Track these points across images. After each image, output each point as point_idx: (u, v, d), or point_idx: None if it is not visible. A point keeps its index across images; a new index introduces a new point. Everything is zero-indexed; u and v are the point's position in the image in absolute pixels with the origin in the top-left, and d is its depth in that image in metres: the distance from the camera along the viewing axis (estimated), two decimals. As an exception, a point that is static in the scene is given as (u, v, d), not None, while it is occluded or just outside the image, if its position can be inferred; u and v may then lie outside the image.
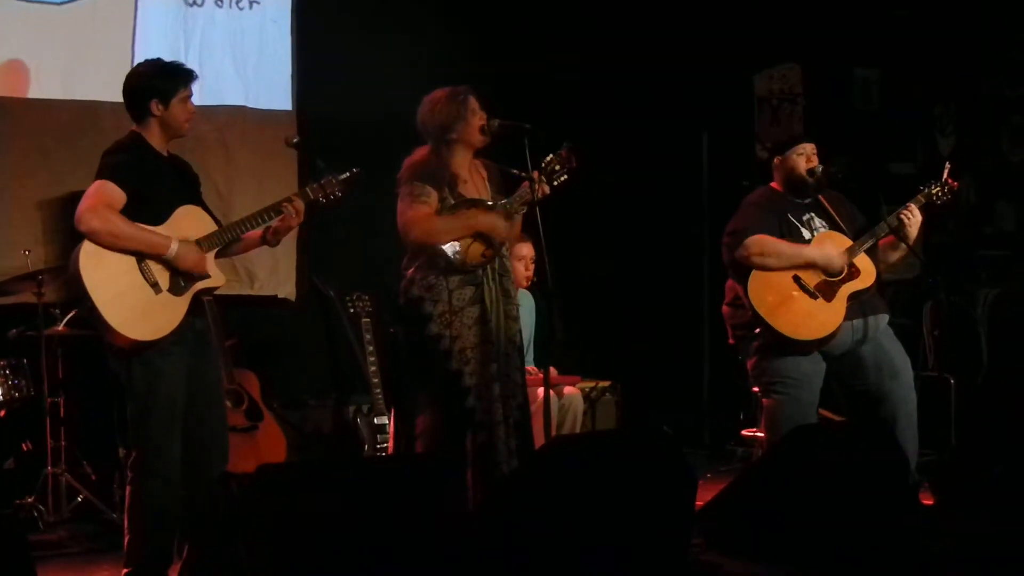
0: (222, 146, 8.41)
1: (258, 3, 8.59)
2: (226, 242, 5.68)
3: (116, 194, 5.41)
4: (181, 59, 7.89)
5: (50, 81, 8.01)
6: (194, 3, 8.36)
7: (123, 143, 5.62)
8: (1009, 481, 6.17)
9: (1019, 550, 5.40)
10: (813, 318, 6.60)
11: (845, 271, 6.64)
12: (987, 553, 5.47)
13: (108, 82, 7.89)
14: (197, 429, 5.62)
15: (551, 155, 6.13)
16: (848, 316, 6.62)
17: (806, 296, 6.60)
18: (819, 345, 6.62)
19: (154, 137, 5.62)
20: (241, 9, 8.55)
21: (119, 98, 5.73)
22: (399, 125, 6.45)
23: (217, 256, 5.72)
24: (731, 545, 5.38)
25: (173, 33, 8.31)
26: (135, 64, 5.85)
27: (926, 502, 6.66)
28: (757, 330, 6.66)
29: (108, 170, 5.47)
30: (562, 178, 6.18)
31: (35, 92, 7.97)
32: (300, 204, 5.77)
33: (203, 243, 5.58)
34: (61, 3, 8.01)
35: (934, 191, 6.84)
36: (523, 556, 4.59)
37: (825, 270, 6.60)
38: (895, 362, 6.72)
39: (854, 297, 6.64)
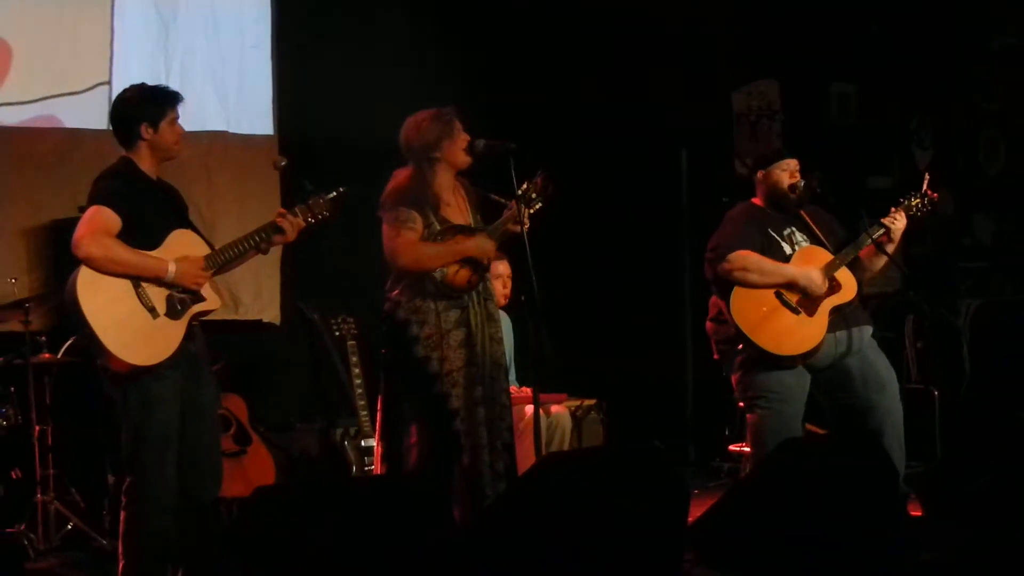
0: (204, 171, 8.41)
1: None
2: (222, 264, 5.70)
3: (112, 219, 5.42)
4: (161, 86, 7.98)
5: (30, 69, 8.09)
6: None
7: (114, 169, 5.63)
8: (995, 490, 6.19)
9: (1006, 559, 5.43)
10: (795, 333, 6.62)
11: (826, 287, 6.67)
12: (976, 563, 5.50)
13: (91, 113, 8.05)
14: (191, 453, 5.62)
15: (526, 183, 6.15)
16: (831, 328, 6.64)
17: (788, 311, 6.61)
18: (802, 360, 6.65)
19: (144, 162, 5.63)
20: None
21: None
22: (381, 147, 6.46)
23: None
24: (722, 560, 5.39)
25: (153, 61, 8.33)
26: (121, 91, 5.85)
27: (914, 513, 6.68)
28: (740, 346, 6.69)
29: (102, 196, 5.49)
30: (538, 205, 6.20)
31: (14, 78, 8.02)
32: (297, 220, 5.80)
33: None
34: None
35: (914, 203, 6.84)
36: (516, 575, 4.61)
37: (806, 290, 6.63)
38: (881, 374, 6.74)
39: (836, 311, 6.66)
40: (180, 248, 5.58)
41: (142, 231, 5.51)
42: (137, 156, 5.63)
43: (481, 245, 6.14)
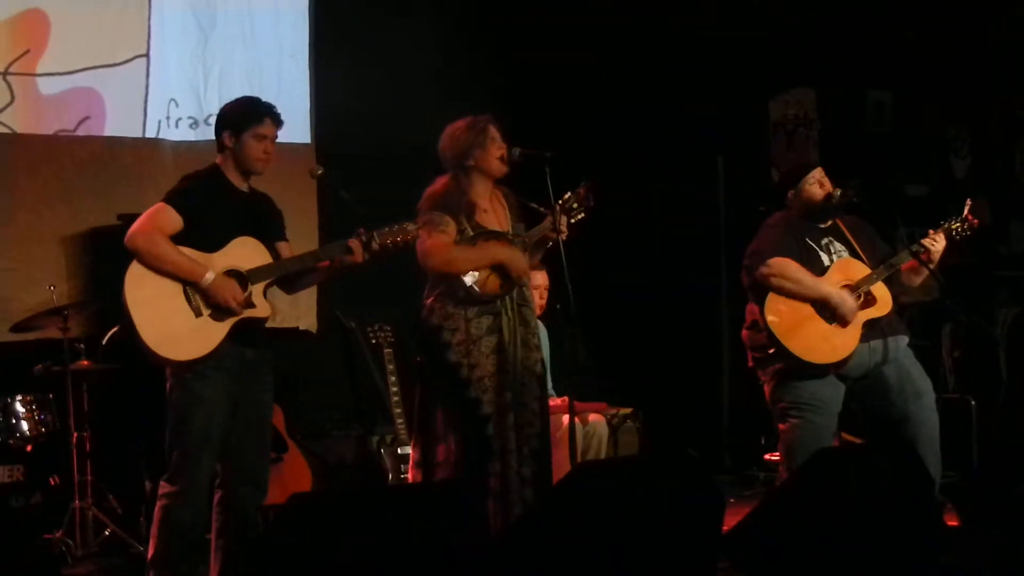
0: (243, 179, 8.46)
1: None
2: (275, 276, 5.73)
3: (171, 218, 5.52)
4: (200, 94, 8.04)
5: (68, 41, 8.12)
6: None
7: (200, 171, 5.78)
8: (1033, 500, 6.16)
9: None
10: (827, 342, 6.60)
11: (861, 299, 6.65)
12: (1013, 573, 5.48)
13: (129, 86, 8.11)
14: (237, 458, 5.69)
15: (569, 193, 6.17)
16: (867, 338, 6.63)
17: (822, 320, 6.60)
18: (834, 369, 6.63)
19: (230, 170, 5.72)
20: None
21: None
22: (417, 156, 6.50)
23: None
24: (757, 569, 5.38)
25: (192, 68, 8.38)
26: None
27: (950, 523, 6.66)
28: (771, 350, 6.67)
29: (172, 195, 5.62)
30: (579, 216, 6.22)
31: (53, 49, 8.05)
32: (358, 244, 5.79)
33: (252, 275, 5.64)
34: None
35: (954, 226, 6.81)
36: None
37: (836, 312, 6.60)
38: (917, 384, 6.72)
39: (869, 324, 6.65)
40: (239, 254, 5.65)
41: (203, 234, 5.59)
42: (224, 164, 5.74)
43: (512, 256, 6.15)
